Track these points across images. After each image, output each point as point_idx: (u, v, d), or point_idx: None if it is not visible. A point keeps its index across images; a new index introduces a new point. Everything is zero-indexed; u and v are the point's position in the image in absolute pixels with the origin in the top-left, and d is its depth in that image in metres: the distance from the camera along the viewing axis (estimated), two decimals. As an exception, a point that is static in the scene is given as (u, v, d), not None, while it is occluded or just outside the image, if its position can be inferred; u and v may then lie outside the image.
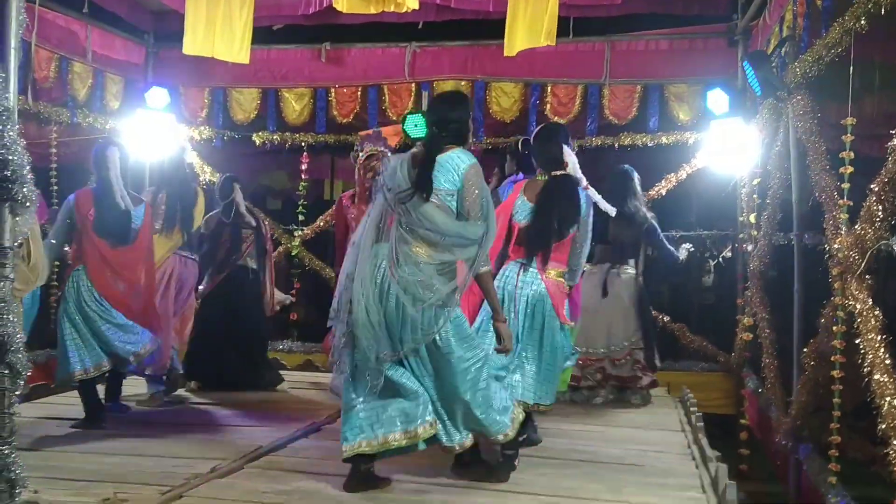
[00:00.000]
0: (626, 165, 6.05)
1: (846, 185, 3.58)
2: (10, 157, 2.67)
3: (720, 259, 14.21)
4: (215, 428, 4.99)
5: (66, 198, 4.97)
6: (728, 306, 7.03)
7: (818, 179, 3.86)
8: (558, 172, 4.28)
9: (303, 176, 8.08)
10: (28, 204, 2.72)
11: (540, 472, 4.05)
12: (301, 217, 8.06)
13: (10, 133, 2.68)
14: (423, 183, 3.55)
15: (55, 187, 6.84)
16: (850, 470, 4.12)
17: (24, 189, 2.70)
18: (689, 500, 3.66)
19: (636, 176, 5.96)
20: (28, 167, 2.72)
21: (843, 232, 3.53)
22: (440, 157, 3.62)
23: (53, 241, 4.94)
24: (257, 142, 7.82)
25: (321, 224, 7.98)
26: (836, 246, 3.55)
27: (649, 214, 5.97)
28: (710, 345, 7.10)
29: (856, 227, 3.33)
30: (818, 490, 3.95)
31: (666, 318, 7.24)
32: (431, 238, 3.55)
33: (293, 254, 7.98)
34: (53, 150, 6.93)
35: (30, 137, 6.59)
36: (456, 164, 3.61)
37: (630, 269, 6.01)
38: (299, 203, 8.11)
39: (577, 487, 3.77)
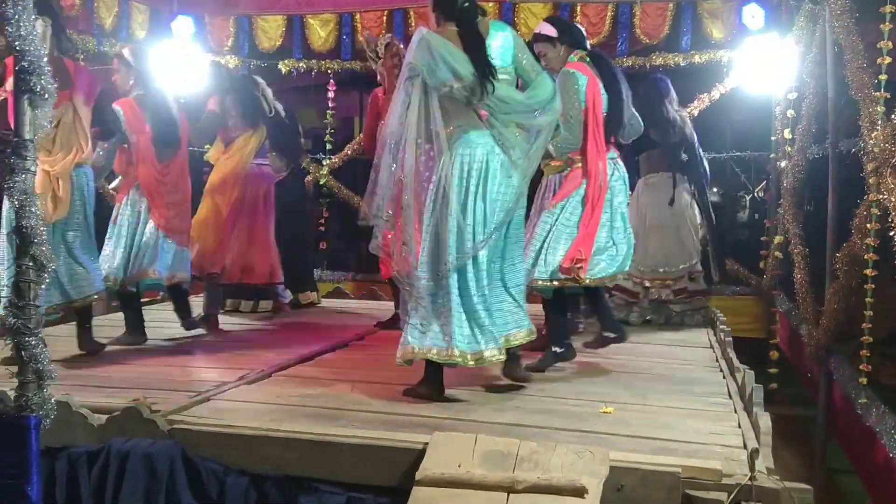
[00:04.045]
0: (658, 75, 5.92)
1: (883, 77, 3.46)
2: (28, 49, 2.65)
3: (755, 194, 14.00)
4: (245, 344, 5.04)
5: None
6: (762, 240, 6.88)
7: (855, 77, 3.72)
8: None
9: (330, 104, 8.02)
10: (47, 96, 2.71)
11: (566, 379, 4.06)
12: (329, 146, 8.04)
13: (27, 24, 2.65)
14: (488, 69, 3.43)
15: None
16: (883, 396, 4.05)
17: (43, 81, 2.68)
18: (714, 406, 3.63)
19: (667, 84, 5.79)
20: (45, 58, 2.70)
21: (879, 126, 3.42)
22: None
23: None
24: (283, 70, 7.74)
25: (349, 152, 7.94)
26: (871, 141, 3.44)
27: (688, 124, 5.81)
28: (742, 268, 7.00)
29: (892, 117, 3.22)
30: (849, 397, 3.91)
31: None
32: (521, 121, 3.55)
33: (321, 183, 7.98)
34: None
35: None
36: (501, 36, 3.55)
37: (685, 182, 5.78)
38: (326, 132, 8.07)
39: (603, 393, 3.76)
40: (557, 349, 4.18)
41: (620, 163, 4.34)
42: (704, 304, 5.86)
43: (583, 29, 4.50)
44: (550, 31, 4.28)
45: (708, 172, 5.93)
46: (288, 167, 6.25)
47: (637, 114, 4.47)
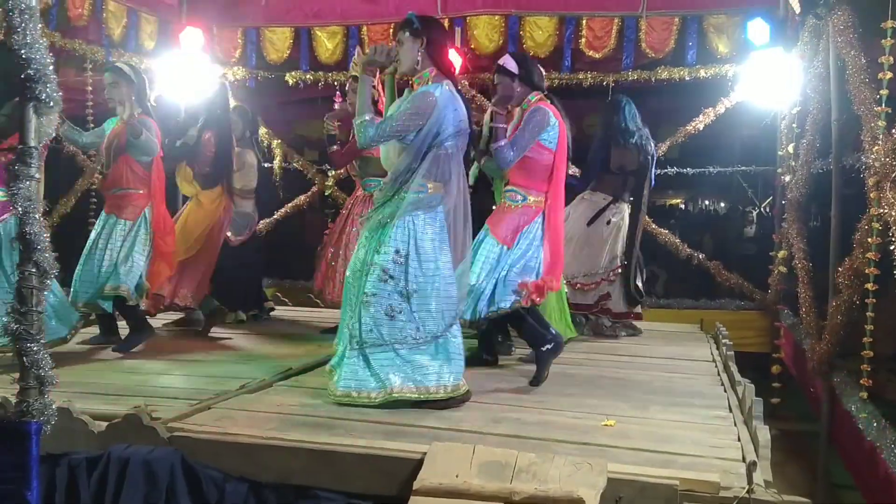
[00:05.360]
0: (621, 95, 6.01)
1: (885, 92, 3.47)
2: (33, 56, 2.67)
3: (762, 209, 13.97)
4: (246, 353, 5.05)
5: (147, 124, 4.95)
6: (768, 255, 6.88)
7: (857, 92, 3.73)
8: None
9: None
10: (52, 104, 2.73)
11: (566, 392, 4.06)
12: (335, 158, 8.05)
13: (33, 32, 2.67)
14: None
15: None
16: (889, 412, 4.04)
17: (48, 88, 2.70)
18: (715, 419, 3.62)
19: (630, 104, 5.85)
20: (52, 66, 2.73)
21: (880, 140, 3.43)
22: None
23: None
24: (290, 82, 7.78)
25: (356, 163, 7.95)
26: (872, 156, 3.45)
27: (649, 147, 5.84)
28: (747, 283, 7.00)
29: (893, 132, 3.22)
30: (850, 412, 3.89)
31: (701, 256, 7.15)
32: None
33: (326, 194, 8.01)
34: (90, 90, 7.04)
35: (68, 83, 6.80)
36: None
37: (624, 205, 5.85)
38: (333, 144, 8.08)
39: (603, 406, 3.76)
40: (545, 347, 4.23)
41: None
42: (629, 323, 5.93)
43: (543, 72, 4.53)
44: (513, 66, 4.34)
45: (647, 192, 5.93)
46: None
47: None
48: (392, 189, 3.69)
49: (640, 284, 5.90)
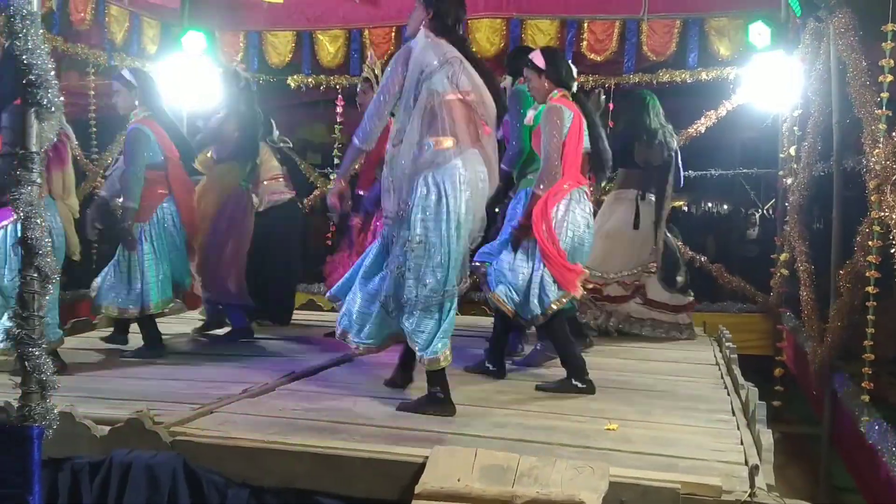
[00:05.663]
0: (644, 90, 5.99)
1: (885, 95, 3.47)
2: (35, 62, 2.67)
3: (765, 211, 13.96)
4: (248, 357, 5.05)
5: (138, 129, 4.81)
6: (770, 258, 6.87)
7: (858, 95, 3.74)
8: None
9: (338, 119, 8.07)
10: (53, 109, 2.74)
11: (569, 395, 4.05)
12: (336, 161, 8.07)
13: (34, 38, 2.68)
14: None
15: (94, 139, 7.02)
16: (890, 415, 4.04)
17: (49, 94, 2.71)
18: (717, 422, 3.62)
19: (654, 99, 5.82)
20: (53, 71, 2.73)
21: (881, 143, 3.43)
22: None
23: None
24: (292, 85, 7.80)
25: (357, 167, 7.95)
26: (873, 159, 3.45)
27: (672, 143, 5.79)
28: (749, 285, 6.99)
29: (894, 135, 3.23)
30: (852, 415, 3.89)
31: (703, 259, 7.15)
32: None
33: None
34: (92, 94, 7.06)
35: (71, 87, 6.82)
36: None
37: (651, 197, 5.82)
38: (335, 147, 8.11)
39: (606, 410, 3.76)
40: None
41: (588, 197, 4.30)
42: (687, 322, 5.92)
43: (574, 70, 4.44)
44: (540, 61, 4.28)
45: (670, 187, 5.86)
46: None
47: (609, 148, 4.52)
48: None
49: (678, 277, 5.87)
